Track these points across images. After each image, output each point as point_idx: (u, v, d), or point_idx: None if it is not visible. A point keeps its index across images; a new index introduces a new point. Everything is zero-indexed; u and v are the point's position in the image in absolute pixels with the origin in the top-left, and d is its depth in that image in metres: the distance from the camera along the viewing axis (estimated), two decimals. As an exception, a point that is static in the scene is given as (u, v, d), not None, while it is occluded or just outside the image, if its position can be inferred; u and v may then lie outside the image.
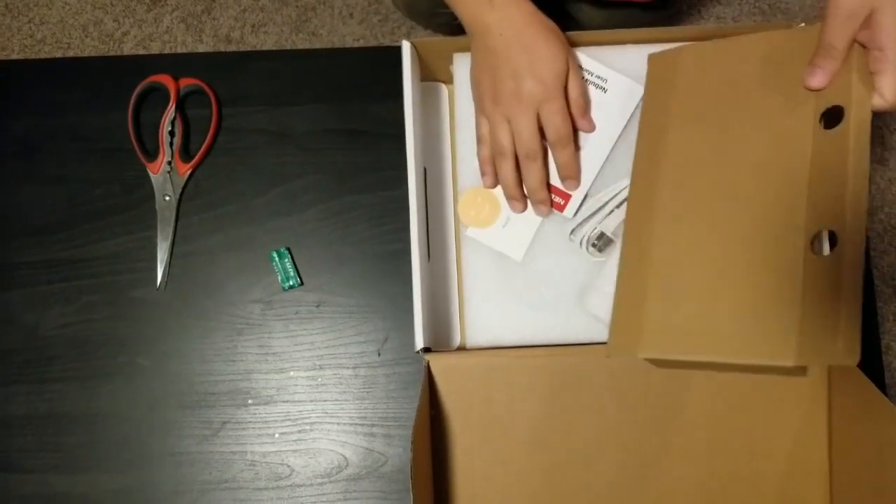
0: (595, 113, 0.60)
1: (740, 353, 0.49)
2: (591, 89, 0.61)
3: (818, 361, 0.48)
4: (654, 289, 0.53)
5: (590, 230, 0.60)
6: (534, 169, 0.58)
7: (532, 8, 0.57)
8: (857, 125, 0.48)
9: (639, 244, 0.56)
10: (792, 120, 0.52)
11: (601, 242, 0.59)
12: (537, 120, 0.57)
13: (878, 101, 0.48)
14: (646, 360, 0.56)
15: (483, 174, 0.61)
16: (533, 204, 0.60)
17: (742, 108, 0.55)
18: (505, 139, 0.57)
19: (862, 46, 0.49)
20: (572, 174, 0.59)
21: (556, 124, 0.57)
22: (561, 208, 0.59)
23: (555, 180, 0.60)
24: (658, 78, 0.60)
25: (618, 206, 0.60)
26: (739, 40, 0.57)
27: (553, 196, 0.59)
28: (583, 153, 0.60)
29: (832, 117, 0.50)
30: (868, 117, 0.48)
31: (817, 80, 0.50)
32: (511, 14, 0.56)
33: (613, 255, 0.58)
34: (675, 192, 0.55)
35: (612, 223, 0.59)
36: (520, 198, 0.60)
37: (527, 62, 0.56)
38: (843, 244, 0.46)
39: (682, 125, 0.57)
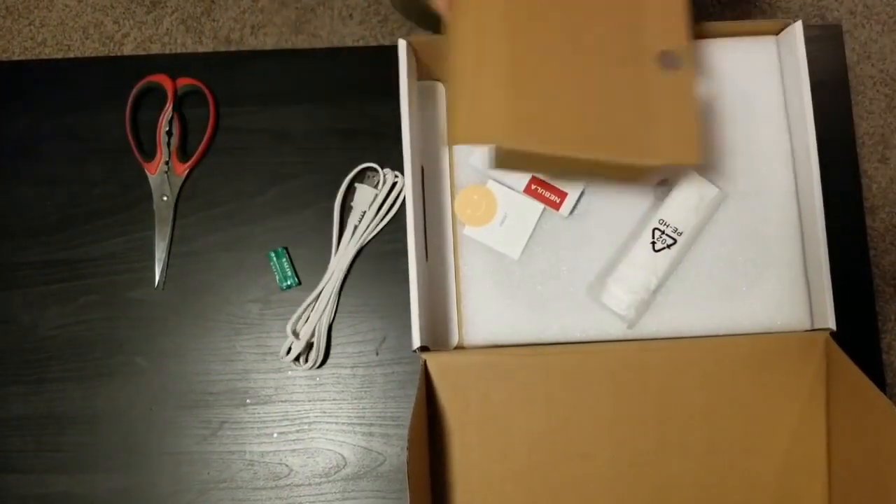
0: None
1: (591, 149, 0.50)
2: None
3: (660, 160, 0.51)
4: (505, 81, 0.51)
5: None
6: None
7: None
8: None
9: (484, 39, 0.52)
10: None
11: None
12: None
13: None
14: (500, 167, 0.56)
15: None
16: None
17: None
18: None
19: None
20: None
21: None
22: (557, 206, 0.59)
23: (555, 180, 0.60)
24: None
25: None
26: None
27: (549, 194, 0.59)
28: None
29: None
30: None
31: None
32: None
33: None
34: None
35: None
36: None
37: None
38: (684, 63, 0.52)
39: None
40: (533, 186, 0.59)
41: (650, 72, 0.52)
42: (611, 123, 0.51)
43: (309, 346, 0.65)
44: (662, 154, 0.50)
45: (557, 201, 0.59)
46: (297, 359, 0.65)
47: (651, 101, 0.51)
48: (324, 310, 0.65)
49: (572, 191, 0.59)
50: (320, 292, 0.65)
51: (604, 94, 0.51)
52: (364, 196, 0.66)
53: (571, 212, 0.60)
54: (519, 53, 0.51)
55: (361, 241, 0.66)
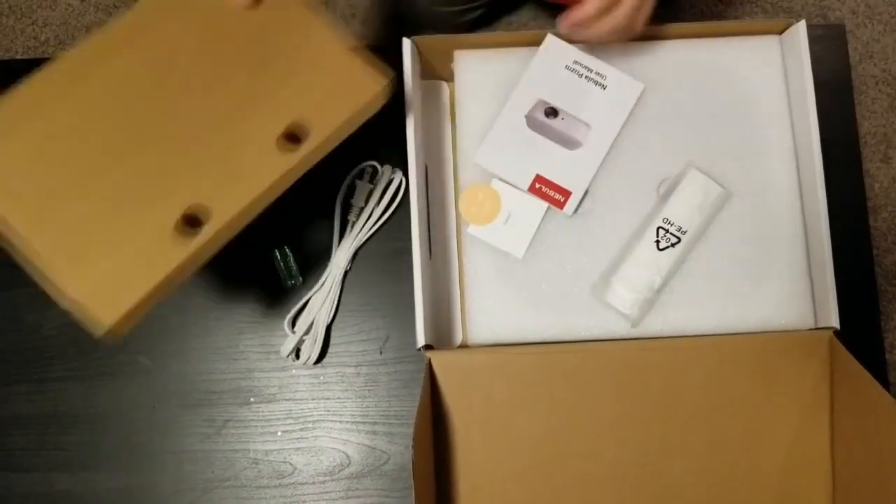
0: (594, 110, 0.60)
1: (31, 243, 0.46)
2: (591, 86, 0.61)
3: (71, 294, 0.46)
4: (34, 149, 0.50)
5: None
6: None
7: None
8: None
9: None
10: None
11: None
12: None
13: None
14: None
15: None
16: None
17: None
18: None
19: None
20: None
21: None
22: (560, 205, 0.59)
23: (557, 178, 0.60)
24: None
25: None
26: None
27: (554, 193, 0.59)
28: (583, 150, 0.60)
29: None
30: None
31: None
32: None
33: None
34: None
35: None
36: None
37: None
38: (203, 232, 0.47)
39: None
40: (537, 185, 0.59)
41: (155, 227, 0.48)
42: (79, 241, 0.47)
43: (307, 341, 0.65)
44: (77, 292, 0.45)
45: (562, 200, 0.59)
46: (296, 354, 0.65)
47: (119, 249, 0.47)
48: (322, 305, 0.65)
49: (576, 190, 0.59)
50: (319, 287, 0.66)
51: (100, 216, 0.48)
52: (362, 192, 0.67)
53: (576, 210, 0.60)
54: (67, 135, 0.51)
55: (361, 237, 0.66)
